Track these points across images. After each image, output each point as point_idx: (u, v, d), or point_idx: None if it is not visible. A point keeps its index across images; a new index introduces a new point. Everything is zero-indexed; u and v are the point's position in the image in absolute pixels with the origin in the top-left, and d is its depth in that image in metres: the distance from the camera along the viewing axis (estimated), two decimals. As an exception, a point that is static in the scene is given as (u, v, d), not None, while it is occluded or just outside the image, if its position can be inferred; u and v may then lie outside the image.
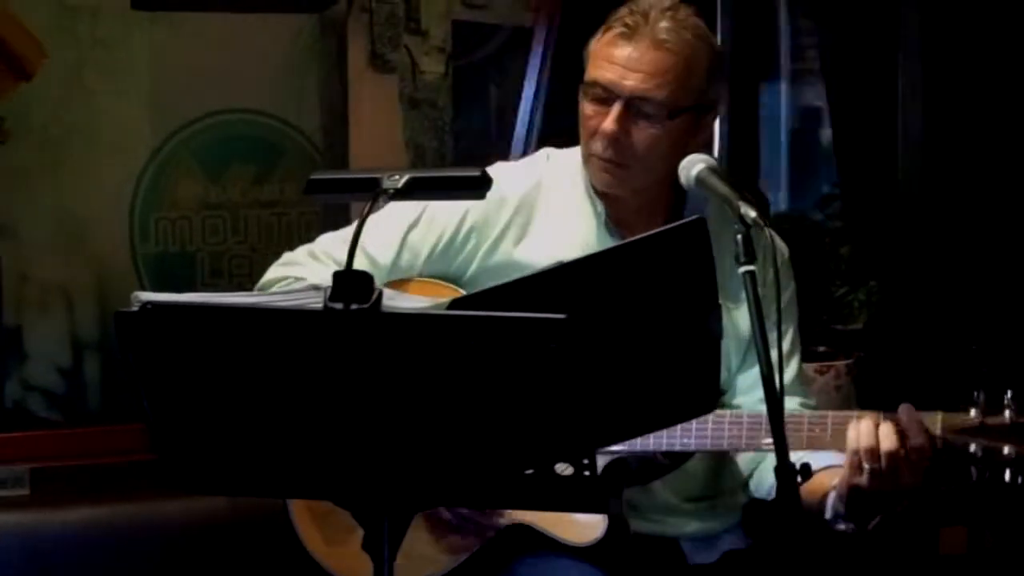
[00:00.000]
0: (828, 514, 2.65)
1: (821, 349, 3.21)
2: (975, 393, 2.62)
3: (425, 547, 2.82)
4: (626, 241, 2.42)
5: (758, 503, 3.04)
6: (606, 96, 2.86)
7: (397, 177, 2.34)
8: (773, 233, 2.41)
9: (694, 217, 2.33)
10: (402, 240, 2.88)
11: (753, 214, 2.41)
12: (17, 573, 3.24)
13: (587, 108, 2.89)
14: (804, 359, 2.98)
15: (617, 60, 2.87)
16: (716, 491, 3.06)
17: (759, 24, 4.68)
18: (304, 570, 2.89)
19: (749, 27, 4.54)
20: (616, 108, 2.84)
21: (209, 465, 2.11)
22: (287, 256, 2.97)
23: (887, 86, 4.54)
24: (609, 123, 2.84)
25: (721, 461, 3.05)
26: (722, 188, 2.49)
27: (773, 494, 2.52)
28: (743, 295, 2.52)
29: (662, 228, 2.32)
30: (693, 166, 2.58)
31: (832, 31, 4.49)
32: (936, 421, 2.62)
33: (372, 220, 2.70)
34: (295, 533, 2.90)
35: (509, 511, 2.88)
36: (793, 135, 5.68)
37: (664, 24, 2.86)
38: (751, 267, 2.39)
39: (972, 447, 2.58)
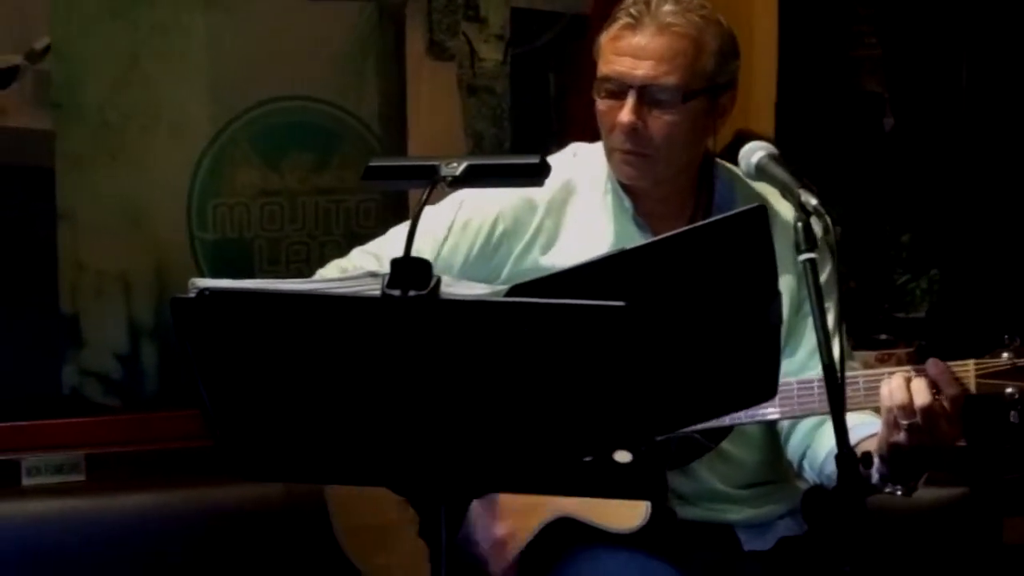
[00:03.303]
0: (875, 479, 2.62)
1: (883, 337, 3.19)
2: (1005, 337, 2.63)
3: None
4: (687, 228, 2.40)
5: (818, 489, 3.00)
6: (618, 89, 2.85)
7: (455, 164, 2.34)
8: (825, 214, 2.41)
9: (755, 205, 2.32)
10: (436, 255, 2.85)
11: (814, 202, 2.38)
12: (72, 559, 3.24)
13: (602, 104, 2.89)
14: (865, 347, 2.98)
15: (625, 51, 2.86)
16: (769, 478, 3.05)
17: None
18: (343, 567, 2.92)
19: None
20: (630, 99, 2.83)
21: (265, 452, 2.11)
22: (322, 271, 2.98)
23: (950, 77, 4.53)
24: (625, 115, 2.83)
25: (774, 449, 3.03)
26: (783, 176, 2.46)
27: (830, 479, 2.56)
28: (785, 270, 2.51)
29: (724, 215, 2.33)
30: (753, 153, 2.52)
31: (893, 20, 4.48)
32: (968, 369, 2.62)
33: (397, 234, 2.83)
34: (334, 535, 2.93)
35: (551, 505, 2.89)
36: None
37: (668, 8, 2.85)
38: (811, 255, 2.36)
39: (1008, 389, 2.56)
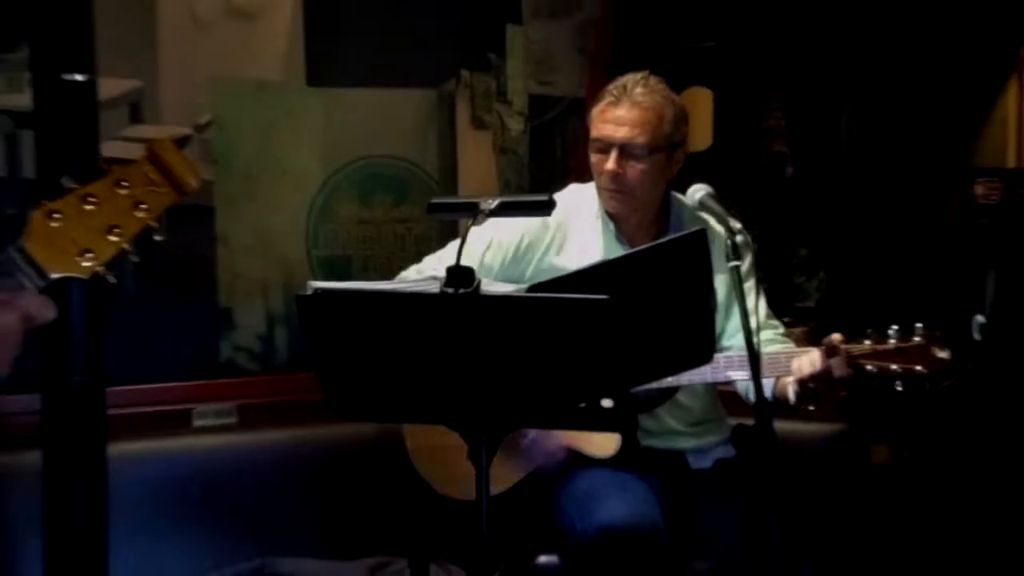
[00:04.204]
0: (792, 401, 2.66)
1: (786, 320, 3.21)
2: (867, 330, 2.61)
3: (498, 468, 2.84)
4: (652, 244, 2.43)
5: (743, 426, 3.04)
6: (605, 147, 2.85)
7: (491, 201, 2.35)
8: (746, 233, 2.42)
9: (698, 228, 2.32)
10: (480, 262, 2.84)
11: (738, 225, 2.39)
12: (227, 477, 3.27)
13: (593, 157, 2.89)
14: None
15: (609, 120, 2.86)
16: (709, 418, 3.04)
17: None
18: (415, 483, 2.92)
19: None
20: (613, 154, 2.83)
21: (360, 401, 2.12)
22: (403, 274, 2.97)
23: (831, 140, 4.52)
24: (610, 164, 2.83)
25: (712, 399, 3.04)
26: (718, 208, 2.46)
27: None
28: (719, 270, 2.48)
29: (677, 235, 2.34)
30: (697, 191, 2.52)
31: (793, 101, 4.47)
32: (849, 349, 2.60)
33: (451, 248, 2.73)
34: (407, 458, 2.93)
35: (559, 438, 2.91)
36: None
37: (639, 90, 2.86)
38: (738, 263, 2.36)
39: (869, 367, 2.55)
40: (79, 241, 1.36)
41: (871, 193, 4.64)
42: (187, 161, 1.39)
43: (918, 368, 2.53)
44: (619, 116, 2.85)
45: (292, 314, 3.51)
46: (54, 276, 1.35)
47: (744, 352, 2.33)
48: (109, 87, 3.20)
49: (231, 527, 3.22)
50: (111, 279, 1.38)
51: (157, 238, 1.39)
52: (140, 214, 1.38)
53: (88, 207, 1.36)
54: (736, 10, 4.23)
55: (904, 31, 4.99)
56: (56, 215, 1.35)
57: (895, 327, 2.58)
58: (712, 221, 2.63)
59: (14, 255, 1.34)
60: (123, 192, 1.37)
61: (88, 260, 1.36)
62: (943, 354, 2.53)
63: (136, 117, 3.38)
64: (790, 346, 2.85)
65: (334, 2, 3.58)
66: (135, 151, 3.29)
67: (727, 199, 2.48)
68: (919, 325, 2.57)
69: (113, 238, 1.36)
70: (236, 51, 3.49)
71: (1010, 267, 5.31)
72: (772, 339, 2.90)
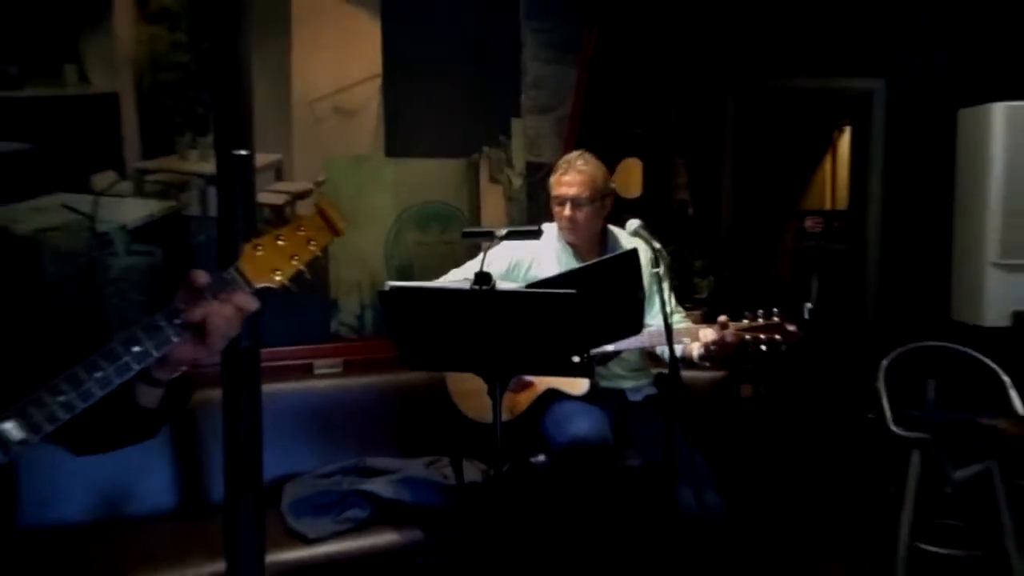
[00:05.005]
0: (696, 360, 2.62)
1: (687, 307, 3.21)
2: (745, 312, 2.58)
3: (506, 402, 2.81)
4: (600, 259, 2.40)
5: (662, 374, 2.99)
6: (561, 201, 2.84)
7: (502, 231, 2.38)
8: (662, 249, 2.42)
9: (631, 248, 2.36)
10: (497, 271, 2.82)
11: (658, 246, 2.39)
12: (335, 404, 3.24)
13: (555, 208, 2.87)
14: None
15: (563, 184, 2.84)
16: (641, 367, 3.02)
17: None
18: (454, 411, 2.91)
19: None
20: (568, 205, 2.82)
21: (420, 357, 2.12)
22: (445, 276, 2.95)
23: (715, 190, 4.53)
24: (566, 212, 2.83)
25: (641, 356, 3.01)
26: (645, 234, 2.45)
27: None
28: (646, 275, 2.54)
29: (617, 253, 2.32)
30: (632, 224, 2.48)
31: (693, 165, 4.48)
32: (737, 325, 2.56)
33: (477, 260, 2.73)
34: (448, 394, 2.93)
35: (546, 382, 2.89)
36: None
37: (579, 163, 2.84)
38: (658, 270, 2.36)
39: (747, 336, 2.54)
40: (272, 264, 1.33)
41: (741, 225, 4.68)
42: (340, 214, 1.38)
43: (777, 337, 2.53)
44: (568, 180, 2.84)
45: (375, 302, 3.53)
46: (257, 286, 1.35)
47: (662, 327, 2.33)
48: (262, 159, 3.27)
49: (338, 436, 3.20)
50: (293, 289, 1.36)
51: (307, 277, 1.39)
52: (312, 247, 1.37)
53: (279, 243, 1.35)
54: (655, 110, 4.26)
55: (760, 127, 5.06)
56: (259, 247, 1.35)
57: (761, 310, 2.57)
58: (642, 243, 2.62)
59: (232, 272, 1.33)
60: (300, 233, 1.37)
61: (278, 276, 1.35)
62: (792, 328, 2.52)
63: (279, 177, 3.38)
64: (689, 324, 2.82)
65: (401, 105, 3.55)
66: (280, 198, 3.31)
67: (651, 228, 2.48)
68: (776, 309, 2.56)
69: (294, 263, 1.36)
70: (340, 136, 3.48)
71: (826, 273, 5.38)
72: (679, 320, 2.87)
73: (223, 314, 1.30)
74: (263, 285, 1.35)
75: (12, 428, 1.19)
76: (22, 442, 1.20)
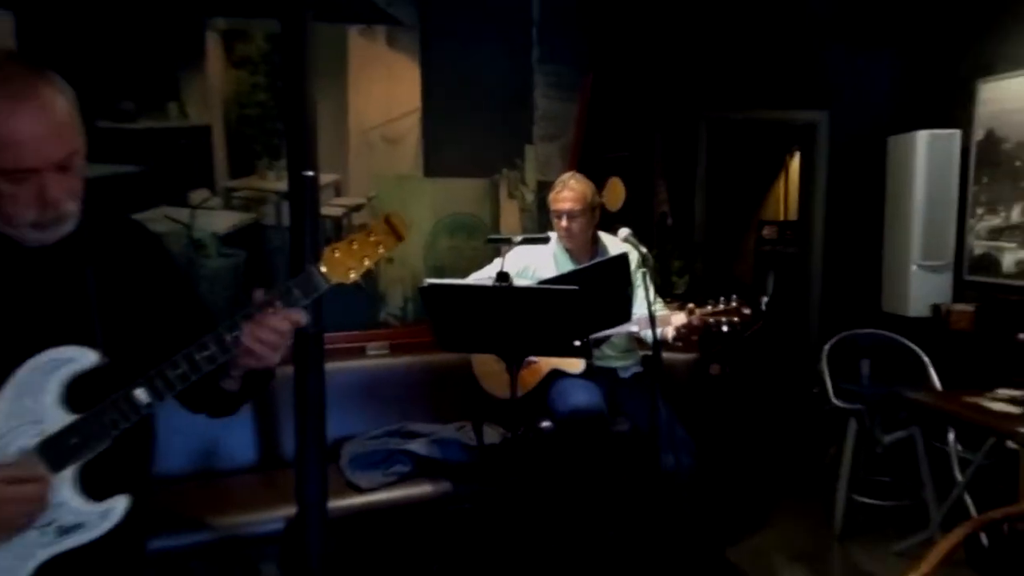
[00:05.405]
0: (670, 341, 2.56)
1: (667, 299, 3.19)
2: (709, 300, 2.50)
3: (521, 380, 2.74)
4: (595, 261, 2.39)
5: (647, 355, 2.95)
6: (560, 214, 2.80)
7: (518, 237, 2.40)
8: (648, 253, 2.40)
9: (622, 252, 2.35)
10: (512, 271, 2.77)
11: (645, 251, 2.36)
12: (383, 379, 3.22)
13: (554, 220, 2.83)
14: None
15: (560, 200, 2.80)
16: (630, 348, 2.98)
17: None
18: (477, 387, 2.89)
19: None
20: (565, 217, 2.79)
21: (452, 340, 2.11)
22: (472, 275, 2.93)
23: (689, 204, 4.50)
24: (564, 223, 2.79)
25: (630, 340, 2.95)
26: (633, 240, 2.42)
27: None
28: (634, 274, 2.50)
29: (608, 257, 2.32)
30: (623, 231, 2.44)
31: (671, 182, 4.45)
32: (704, 311, 2.51)
33: (498, 262, 2.74)
34: (473, 376, 2.92)
35: (550, 362, 2.84)
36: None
37: (572, 182, 2.80)
38: (644, 270, 2.34)
39: (711, 320, 2.48)
40: (346, 264, 1.31)
41: (711, 232, 4.65)
42: (403, 222, 1.35)
43: (736, 319, 2.48)
44: (565, 196, 2.80)
45: (416, 296, 3.52)
46: (333, 282, 1.31)
47: (646, 316, 2.30)
48: (324, 178, 3.27)
49: (386, 406, 3.18)
50: (363, 284, 1.39)
51: (360, 284, 1.38)
52: (380, 250, 1.35)
53: (353, 246, 1.32)
54: (641, 137, 4.23)
55: (726, 151, 5.01)
56: (336, 250, 1.33)
57: (723, 298, 2.53)
58: (631, 247, 2.57)
59: (312, 270, 1.30)
60: (371, 239, 1.34)
61: (352, 273, 1.33)
62: (746, 310, 2.47)
63: (337, 193, 3.37)
64: (665, 311, 2.73)
65: (437, 134, 3.53)
66: (339, 211, 3.27)
67: (638, 235, 2.46)
68: (734, 296, 2.52)
69: (366, 263, 1.33)
70: (387, 159, 3.46)
71: (780, 272, 5.35)
72: (660, 309, 2.82)
73: (278, 329, 1.27)
74: (338, 281, 1.33)
75: (141, 394, 1.24)
76: (148, 405, 1.25)
